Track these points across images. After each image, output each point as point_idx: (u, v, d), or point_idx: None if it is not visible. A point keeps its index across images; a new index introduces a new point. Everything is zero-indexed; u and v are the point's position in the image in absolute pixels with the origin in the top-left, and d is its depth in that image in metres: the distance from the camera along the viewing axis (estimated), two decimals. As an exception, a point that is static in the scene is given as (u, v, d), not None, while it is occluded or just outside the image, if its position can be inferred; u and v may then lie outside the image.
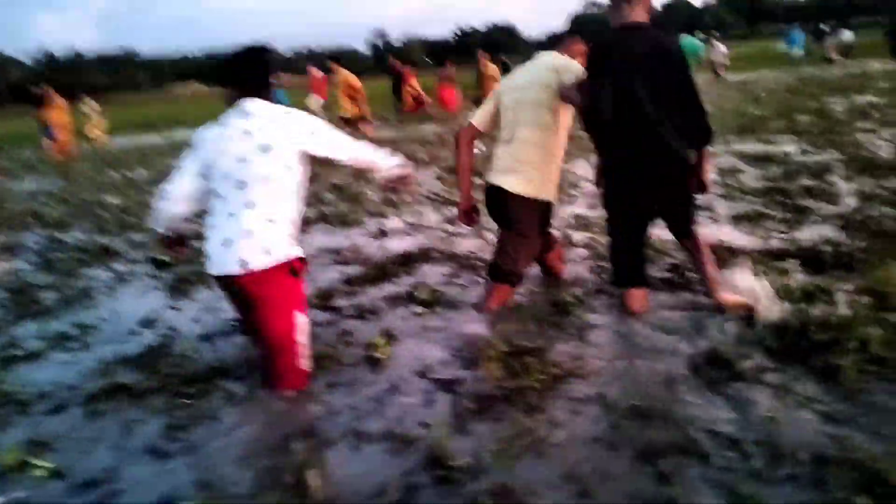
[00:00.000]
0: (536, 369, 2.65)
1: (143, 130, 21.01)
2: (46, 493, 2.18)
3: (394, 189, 3.28)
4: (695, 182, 3.09)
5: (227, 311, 3.69)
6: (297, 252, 2.66)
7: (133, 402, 2.74)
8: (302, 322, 2.70)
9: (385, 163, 3.04)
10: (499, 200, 3.39)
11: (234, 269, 2.53)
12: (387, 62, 18.92)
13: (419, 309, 3.56)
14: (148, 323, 3.72)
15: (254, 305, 2.61)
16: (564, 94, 3.23)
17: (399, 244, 4.94)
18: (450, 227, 5.30)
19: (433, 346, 3.07)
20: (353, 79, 11.79)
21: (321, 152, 2.76)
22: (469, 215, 3.67)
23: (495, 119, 3.49)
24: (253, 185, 2.57)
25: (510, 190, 3.31)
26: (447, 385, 2.65)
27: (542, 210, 3.42)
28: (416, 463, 2.15)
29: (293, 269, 2.64)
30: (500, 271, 3.41)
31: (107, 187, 9.05)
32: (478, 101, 15.02)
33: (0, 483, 2.24)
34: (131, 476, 2.23)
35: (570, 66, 3.29)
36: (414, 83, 16.37)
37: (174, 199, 2.76)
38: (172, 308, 3.96)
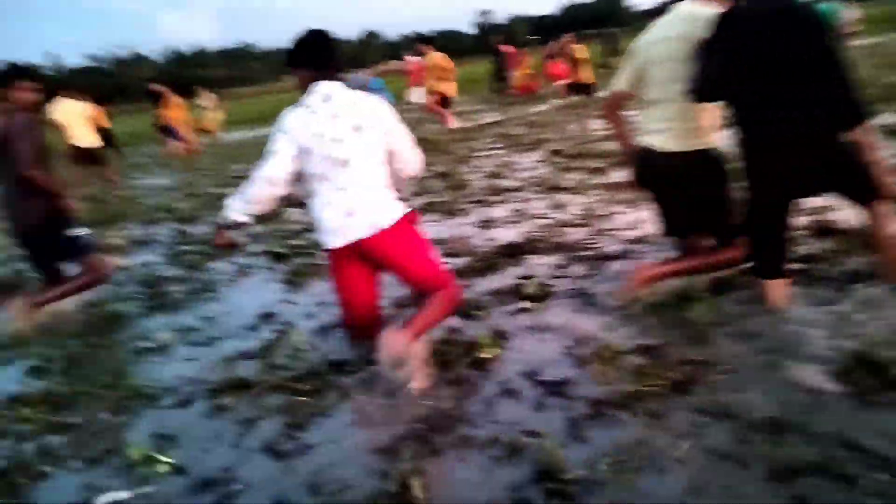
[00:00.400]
0: (657, 372, 2.49)
1: (260, 123, 21.98)
2: (168, 489, 2.28)
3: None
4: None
5: (336, 310, 3.80)
6: (408, 208, 2.99)
7: (252, 398, 2.82)
8: (438, 258, 3.05)
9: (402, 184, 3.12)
10: (660, 163, 3.18)
11: (365, 232, 2.82)
12: (489, 42, 18.64)
13: (527, 304, 3.45)
14: (265, 317, 3.84)
15: (393, 258, 2.90)
16: None
17: (505, 234, 4.84)
18: (557, 215, 5.13)
19: (542, 345, 2.96)
20: (443, 60, 11.59)
21: (387, 134, 2.93)
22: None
23: (640, 79, 3.26)
24: (356, 162, 2.82)
25: (674, 150, 3.10)
26: (558, 388, 2.54)
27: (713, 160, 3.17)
28: (526, 474, 2.07)
29: (412, 219, 2.98)
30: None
31: (229, 180, 9.52)
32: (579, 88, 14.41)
33: (127, 477, 2.37)
34: (248, 476, 2.29)
35: (704, 17, 2.96)
36: (524, 64, 15.82)
37: (272, 181, 2.89)
38: (287, 302, 4.07)
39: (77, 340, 3.78)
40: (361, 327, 3.08)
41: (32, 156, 3.86)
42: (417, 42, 12.84)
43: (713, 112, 3.12)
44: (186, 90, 16.51)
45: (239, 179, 9.30)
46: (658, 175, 3.24)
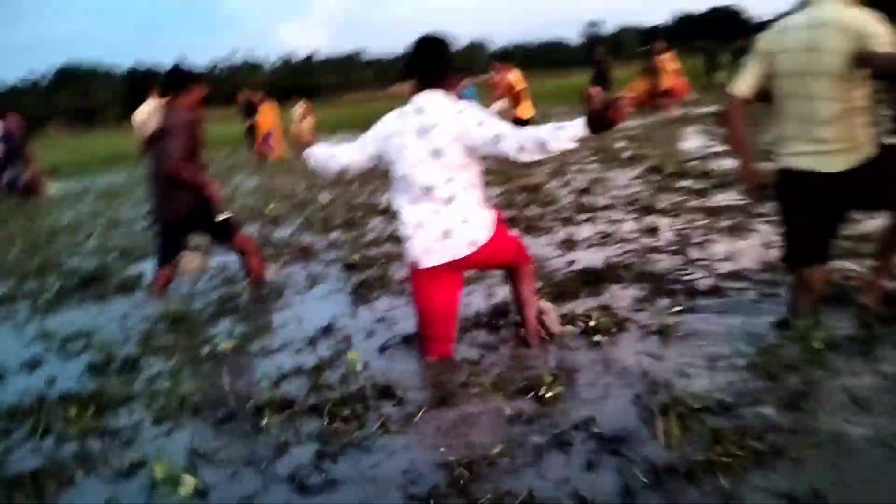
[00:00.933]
0: (735, 439, 2.13)
1: (364, 129, 22.47)
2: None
3: (607, 120, 2.52)
4: None
5: (401, 322, 3.65)
6: (494, 211, 3.04)
7: (291, 419, 2.69)
8: (512, 234, 3.22)
9: (563, 134, 2.59)
10: (815, 187, 2.86)
11: (465, 251, 2.87)
12: (591, 54, 18.06)
13: (599, 338, 3.15)
14: (325, 330, 3.72)
15: (489, 261, 3.05)
16: (879, 65, 2.59)
17: (588, 257, 4.52)
18: (647, 240, 4.75)
19: (607, 390, 2.65)
20: (516, 79, 10.91)
21: (488, 149, 2.76)
22: (759, 190, 3.14)
23: (764, 85, 2.96)
24: (441, 186, 2.82)
25: (823, 171, 2.79)
26: (616, 445, 2.23)
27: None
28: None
29: (500, 219, 3.07)
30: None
31: (321, 186, 9.65)
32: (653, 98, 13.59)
33: (148, 495, 2.28)
34: (267, 508, 2.14)
35: (870, 24, 2.60)
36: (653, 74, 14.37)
37: (337, 158, 3.19)
38: (350, 316, 3.95)
39: (140, 340, 3.82)
40: (436, 340, 3.07)
41: (182, 152, 4.18)
42: (494, 59, 12.57)
43: (862, 113, 2.77)
44: (290, 96, 17.13)
45: (328, 187, 9.46)
46: (811, 198, 2.89)
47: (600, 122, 2.52)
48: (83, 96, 76.07)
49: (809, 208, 2.91)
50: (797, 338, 2.86)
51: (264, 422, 2.67)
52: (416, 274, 3.00)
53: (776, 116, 2.99)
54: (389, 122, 2.99)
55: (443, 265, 2.90)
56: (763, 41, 2.96)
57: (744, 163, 3.15)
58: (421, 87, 2.92)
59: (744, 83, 2.99)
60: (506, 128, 2.75)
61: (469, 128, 2.77)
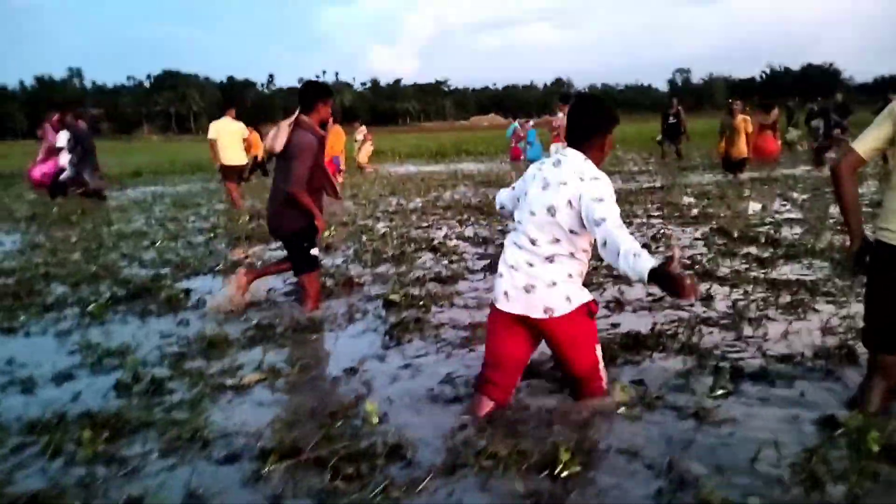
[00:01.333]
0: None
1: (435, 159, 22.69)
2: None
3: (673, 286, 2.45)
4: None
5: (428, 370, 3.56)
6: (590, 297, 2.95)
7: (294, 470, 2.60)
8: (599, 352, 3.04)
9: (634, 264, 2.49)
10: None
11: (537, 314, 2.84)
12: (668, 103, 17.52)
13: (628, 412, 2.97)
14: (350, 372, 3.66)
15: (558, 344, 2.94)
16: None
17: (633, 321, 4.32)
18: (699, 308, 4.51)
19: (628, 479, 2.46)
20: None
21: (588, 226, 2.73)
22: (860, 259, 2.95)
23: (884, 149, 2.85)
24: (543, 243, 2.84)
25: None
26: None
27: None
28: None
29: (590, 311, 2.94)
30: None
31: (379, 214, 9.70)
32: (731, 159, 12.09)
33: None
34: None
35: None
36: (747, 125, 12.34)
37: (503, 199, 3.35)
38: (379, 358, 3.87)
39: (171, 362, 3.85)
40: (495, 385, 3.04)
41: (306, 175, 4.45)
42: (561, 100, 12.16)
43: None
44: (367, 119, 17.45)
45: (388, 214, 9.51)
46: None
47: (666, 282, 2.43)
48: (180, 102, 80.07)
49: None
50: (850, 439, 2.62)
51: (266, 469, 2.60)
52: (494, 313, 3.02)
53: (887, 185, 2.83)
54: (533, 167, 3.06)
55: (519, 316, 2.90)
56: None
57: (852, 227, 2.93)
58: (569, 143, 2.96)
59: (869, 142, 2.80)
60: (612, 218, 2.65)
61: (584, 196, 2.72)
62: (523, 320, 2.91)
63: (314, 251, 4.76)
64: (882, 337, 2.84)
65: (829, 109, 10.85)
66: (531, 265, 2.86)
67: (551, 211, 2.80)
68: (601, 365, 3.05)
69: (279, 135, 4.50)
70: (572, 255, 2.87)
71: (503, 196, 3.36)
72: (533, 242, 2.86)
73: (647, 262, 2.46)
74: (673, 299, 2.47)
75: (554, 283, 2.83)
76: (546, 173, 2.91)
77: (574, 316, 2.85)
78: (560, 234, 2.81)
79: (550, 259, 2.84)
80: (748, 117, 12.38)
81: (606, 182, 2.82)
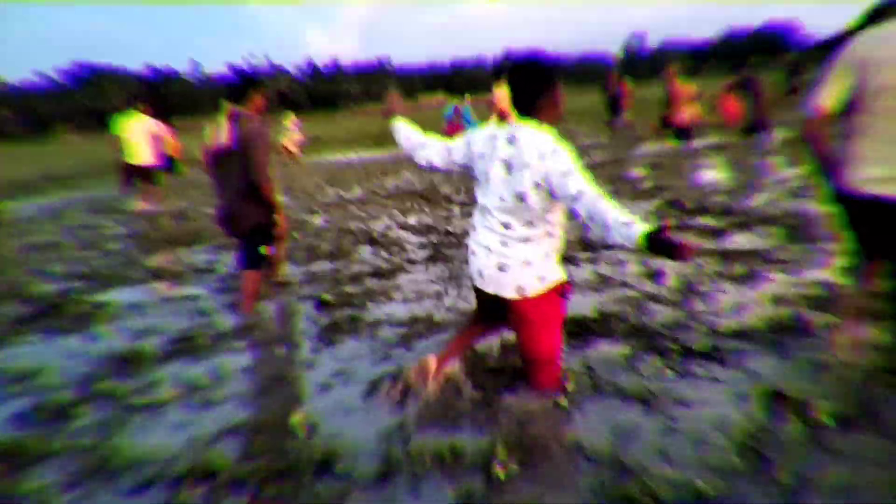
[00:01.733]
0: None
1: (377, 145, 22.49)
2: None
3: (670, 252, 2.40)
4: None
5: (361, 374, 3.50)
6: (564, 276, 2.97)
7: (211, 492, 2.52)
8: (560, 326, 3.04)
9: (626, 233, 2.46)
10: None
11: (509, 293, 2.87)
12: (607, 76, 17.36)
13: (569, 403, 2.96)
14: (278, 381, 3.57)
15: (524, 324, 2.94)
16: None
17: (581, 303, 4.32)
18: (648, 286, 4.54)
19: (569, 473, 2.46)
20: (500, 98, 10.42)
21: (565, 203, 2.69)
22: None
23: (845, 101, 2.81)
24: (518, 227, 2.83)
25: None
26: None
27: None
28: None
29: (563, 291, 2.98)
30: None
31: (316, 207, 9.54)
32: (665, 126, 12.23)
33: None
34: None
35: None
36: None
37: (424, 152, 3.22)
38: (310, 365, 3.78)
39: (79, 383, 3.70)
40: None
41: (268, 163, 4.40)
42: (496, 76, 11.99)
43: None
44: (312, 104, 17.20)
45: (325, 206, 9.36)
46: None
47: (663, 249, 2.38)
48: (99, 98, 77.39)
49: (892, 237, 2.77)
50: (798, 413, 2.67)
51: (179, 497, 2.51)
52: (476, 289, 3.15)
53: (855, 136, 2.82)
54: (479, 142, 2.97)
55: (491, 295, 2.97)
56: (856, 50, 2.74)
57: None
58: (519, 113, 2.83)
59: (828, 97, 2.80)
60: (587, 190, 2.60)
61: (550, 175, 2.67)
62: (496, 300, 2.97)
63: (265, 249, 4.71)
64: (869, 250, 2.94)
65: (753, 80, 10.08)
66: (505, 244, 2.88)
67: (520, 197, 2.77)
68: (560, 344, 3.06)
69: (220, 131, 4.39)
70: (549, 233, 2.88)
71: (430, 152, 3.22)
72: (506, 226, 2.86)
73: (641, 227, 2.43)
74: (671, 261, 2.43)
75: (529, 263, 2.85)
76: (502, 152, 2.82)
77: (545, 296, 2.90)
78: (533, 216, 2.80)
79: (526, 240, 2.85)
80: (689, 82, 12.22)
81: (566, 151, 2.71)
